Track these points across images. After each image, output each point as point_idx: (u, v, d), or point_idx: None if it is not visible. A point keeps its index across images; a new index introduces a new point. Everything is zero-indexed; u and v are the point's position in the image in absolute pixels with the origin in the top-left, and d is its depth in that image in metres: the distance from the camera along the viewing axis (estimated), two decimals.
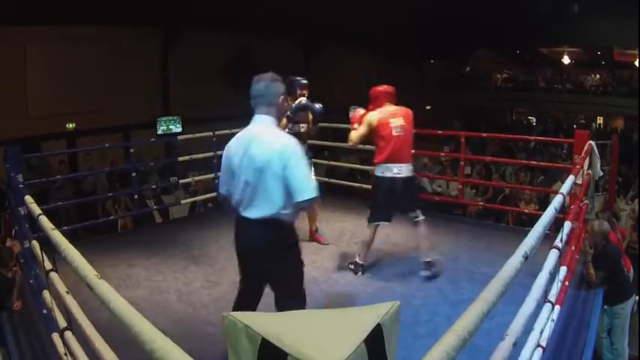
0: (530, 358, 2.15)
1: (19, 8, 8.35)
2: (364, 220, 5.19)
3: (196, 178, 6.75)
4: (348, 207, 6.15)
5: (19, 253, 4.09)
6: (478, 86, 20.03)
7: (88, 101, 10.23)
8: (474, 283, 3.92)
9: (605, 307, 4.19)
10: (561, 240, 2.52)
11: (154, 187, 7.92)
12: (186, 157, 6.16)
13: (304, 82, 4.41)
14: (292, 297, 2.61)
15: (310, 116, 4.44)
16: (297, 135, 3.83)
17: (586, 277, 4.02)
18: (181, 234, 5.37)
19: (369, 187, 6.56)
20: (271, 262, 2.55)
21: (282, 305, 2.59)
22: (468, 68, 21.04)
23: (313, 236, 5.00)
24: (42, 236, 2.53)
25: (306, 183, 2.42)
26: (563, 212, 3.22)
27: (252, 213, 2.47)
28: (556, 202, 2.48)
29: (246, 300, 2.71)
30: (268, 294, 3.89)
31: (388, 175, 4.01)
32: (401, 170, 4.01)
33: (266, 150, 2.41)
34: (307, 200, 2.41)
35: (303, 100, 4.23)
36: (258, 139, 2.46)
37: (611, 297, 4.12)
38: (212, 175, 6.42)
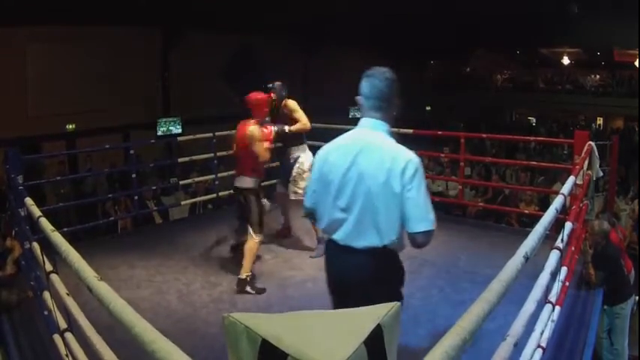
0: (531, 358, 2.14)
1: (20, 8, 8.36)
2: None
3: (196, 179, 6.74)
4: None
5: (20, 254, 4.09)
6: (478, 87, 20.04)
7: (88, 101, 10.23)
8: (474, 283, 3.91)
9: (605, 307, 4.19)
10: (562, 240, 2.51)
11: (154, 188, 7.93)
12: (186, 159, 6.15)
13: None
14: None
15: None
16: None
17: (585, 277, 4.02)
18: (181, 235, 5.37)
19: None
20: (377, 298, 1.97)
21: None
22: (468, 69, 21.05)
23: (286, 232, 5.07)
24: (42, 237, 2.53)
25: (427, 210, 1.98)
26: (563, 213, 3.22)
27: (357, 242, 2.02)
28: (557, 202, 2.48)
29: None
30: (265, 296, 3.90)
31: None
32: (237, 180, 4.10)
33: (383, 164, 1.96)
34: (425, 232, 1.98)
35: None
36: (371, 149, 2.01)
37: (610, 297, 4.12)
38: (212, 177, 6.43)
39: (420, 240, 2.00)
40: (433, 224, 1.99)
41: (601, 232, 4.06)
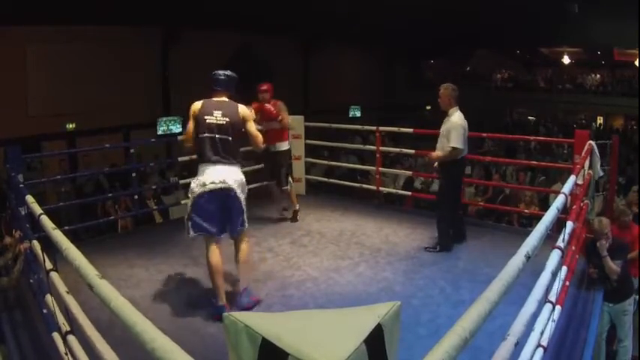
0: (531, 358, 2.14)
1: (20, 8, 8.35)
2: (362, 219, 5.21)
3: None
4: (347, 207, 6.15)
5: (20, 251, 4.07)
6: (478, 86, 20.04)
7: (88, 101, 10.22)
8: (475, 283, 3.92)
9: (611, 304, 4.16)
10: (563, 240, 2.51)
11: (154, 187, 7.91)
12: (186, 158, 6.14)
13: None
14: None
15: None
16: None
17: (592, 274, 4.01)
18: (181, 234, 5.32)
19: (369, 187, 6.61)
20: None
21: None
22: (469, 68, 21.04)
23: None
24: (43, 236, 2.53)
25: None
26: (564, 212, 3.21)
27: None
28: (558, 202, 2.47)
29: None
30: (265, 296, 3.90)
31: None
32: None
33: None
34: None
35: None
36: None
37: (617, 294, 4.09)
38: None
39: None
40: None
41: (608, 223, 4.04)
